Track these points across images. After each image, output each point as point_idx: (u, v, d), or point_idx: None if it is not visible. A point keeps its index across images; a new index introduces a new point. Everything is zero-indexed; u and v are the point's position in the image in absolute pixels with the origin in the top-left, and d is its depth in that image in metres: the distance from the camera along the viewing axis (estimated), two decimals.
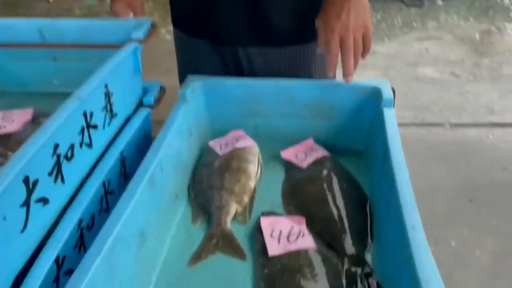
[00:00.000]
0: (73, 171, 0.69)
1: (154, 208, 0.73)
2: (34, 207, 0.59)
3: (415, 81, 2.97)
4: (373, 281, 0.68)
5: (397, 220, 0.63)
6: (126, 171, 0.86)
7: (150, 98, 0.93)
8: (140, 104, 0.93)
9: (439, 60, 3.22)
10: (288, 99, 0.95)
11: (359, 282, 0.68)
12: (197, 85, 0.96)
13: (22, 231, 0.57)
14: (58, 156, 0.64)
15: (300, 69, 1.03)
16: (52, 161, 0.63)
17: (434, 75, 3.01)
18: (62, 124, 0.63)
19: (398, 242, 0.62)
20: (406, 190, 0.65)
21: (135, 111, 0.91)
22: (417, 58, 3.26)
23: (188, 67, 1.10)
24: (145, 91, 0.96)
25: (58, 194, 0.65)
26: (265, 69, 1.02)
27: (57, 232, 0.64)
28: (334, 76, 0.94)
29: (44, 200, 0.61)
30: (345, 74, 0.88)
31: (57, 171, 0.64)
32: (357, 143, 0.97)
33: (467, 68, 3.07)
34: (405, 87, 2.82)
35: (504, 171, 2.07)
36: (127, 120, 0.88)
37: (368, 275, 0.69)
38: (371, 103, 0.91)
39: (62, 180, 0.66)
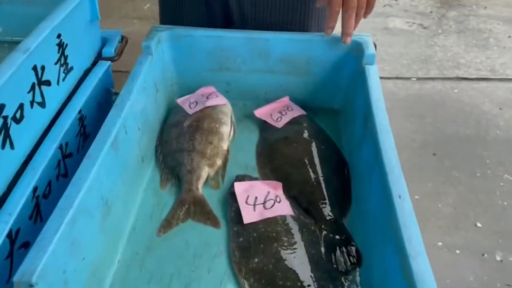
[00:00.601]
0: (24, 134, 0.61)
1: (119, 173, 0.67)
2: None
3: (384, 32, 2.93)
4: (351, 249, 0.66)
5: (381, 187, 0.60)
6: (86, 130, 0.78)
7: (110, 49, 0.84)
8: (99, 56, 0.84)
9: (408, 11, 3.17)
10: (263, 53, 0.88)
11: (337, 250, 0.66)
12: (162, 36, 0.87)
13: None
14: (5, 118, 0.56)
15: (295, 23, 0.94)
16: None
17: (403, 27, 2.98)
18: (7, 81, 0.54)
19: (382, 211, 0.59)
20: (392, 157, 0.61)
21: (93, 64, 0.82)
22: (386, 9, 3.20)
23: (169, 15, 0.99)
24: (104, 41, 0.86)
25: (7, 160, 0.58)
26: (257, 21, 0.92)
27: (9, 203, 0.57)
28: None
29: None
30: (344, 34, 0.81)
31: (4, 135, 0.56)
32: (334, 101, 0.92)
33: (435, 21, 3.05)
34: (373, 38, 2.77)
35: (466, 125, 2.11)
36: (85, 75, 0.79)
37: (347, 242, 0.67)
38: (352, 59, 0.86)
39: (11, 145, 0.58)
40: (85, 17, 0.77)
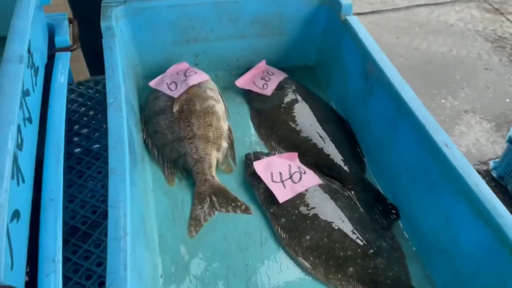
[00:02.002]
0: (27, 161, 0.49)
1: (137, 180, 0.59)
2: (12, 229, 0.41)
3: None
4: (387, 203, 0.67)
5: (418, 139, 0.60)
6: None
7: (64, 37, 0.71)
8: (52, 47, 0.70)
9: None
10: (233, 17, 0.82)
11: (374, 207, 0.66)
12: (118, 12, 0.75)
13: (12, 267, 0.39)
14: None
15: None
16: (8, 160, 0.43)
17: None
18: (14, 103, 0.42)
19: (425, 161, 0.60)
20: (420, 107, 0.62)
21: (49, 58, 0.68)
22: None
23: None
24: (51, 28, 0.72)
25: (22, 198, 0.47)
26: None
27: (46, 248, 0.47)
28: None
29: (16, 215, 0.43)
30: None
31: (16, 169, 0.45)
32: (309, 58, 0.90)
33: None
34: None
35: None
36: (47, 72, 0.66)
37: (379, 198, 0.67)
38: (324, 12, 0.83)
39: (23, 179, 0.46)
40: (35, 2, 0.62)
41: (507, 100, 1.97)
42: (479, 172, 1.71)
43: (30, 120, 0.53)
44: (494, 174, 1.62)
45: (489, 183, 1.62)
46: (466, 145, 1.78)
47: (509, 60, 2.18)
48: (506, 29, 2.37)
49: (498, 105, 1.95)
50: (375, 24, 2.42)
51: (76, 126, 0.78)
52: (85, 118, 0.80)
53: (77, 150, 0.75)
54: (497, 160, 1.64)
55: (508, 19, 2.43)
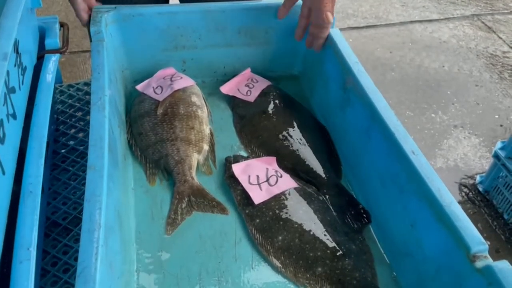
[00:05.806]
0: (9, 155, 0.52)
1: (118, 178, 0.61)
2: None
3: None
4: (359, 208, 0.69)
5: (387, 146, 0.63)
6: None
7: (54, 40, 0.74)
8: (42, 49, 0.73)
9: None
10: (220, 26, 0.85)
11: (347, 211, 0.69)
12: (108, 18, 0.78)
13: None
14: None
15: None
16: None
17: None
18: None
19: (394, 168, 0.62)
20: (391, 116, 0.64)
21: (39, 59, 0.71)
22: None
23: None
24: (42, 31, 0.75)
25: (2, 190, 0.49)
26: None
27: (22, 237, 0.49)
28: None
29: None
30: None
31: None
32: (293, 68, 0.93)
33: None
34: None
35: (366, 72, 2.28)
36: (35, 73, 0.68)
37: (352, 202, 0.70)
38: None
39: (3, 171, 0.49)
40: (26, 5, 0.65)
41: (496, 116, 2.01)
42: (465, 186, 1.74)
43: (14, 116, 0.55)
44: (480, 188, 1.65)
45: (475, 197, 1.64)
46: (454, 159, 1.81)
47: (500, 77, 2.21)
48: (498, 47, 2.41)
49: (487, 121, 1.98)
50: (369, 39, 2.46)
51: (64, 126, 0.81)
52: (73, 119, 0.82)
53: (63, 149, 0.77)
54: (484, 174, 1.66)
55: (500, 38, 2.48)
